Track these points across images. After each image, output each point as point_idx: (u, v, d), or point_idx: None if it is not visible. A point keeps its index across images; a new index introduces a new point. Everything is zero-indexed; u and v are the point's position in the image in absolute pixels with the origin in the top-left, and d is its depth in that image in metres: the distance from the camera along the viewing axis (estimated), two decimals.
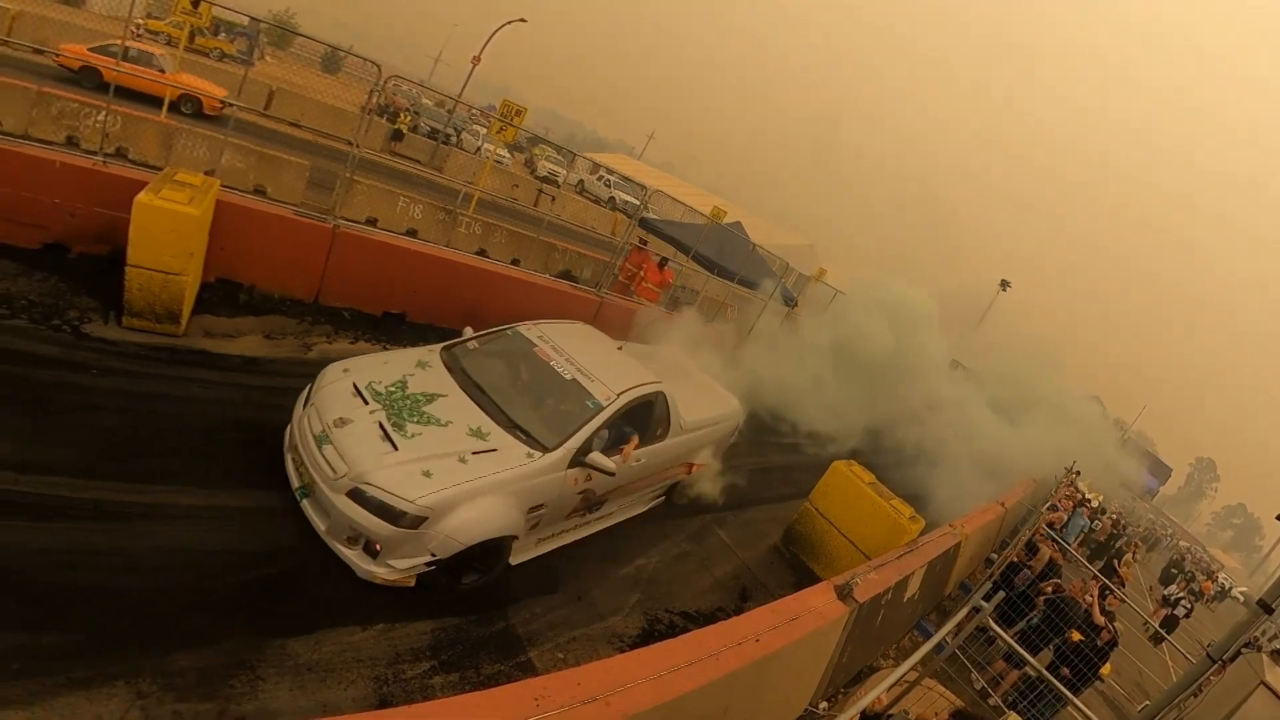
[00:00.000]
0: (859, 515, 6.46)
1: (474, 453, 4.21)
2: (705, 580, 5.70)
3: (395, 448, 4.06)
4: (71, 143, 9.70)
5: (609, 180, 30.47)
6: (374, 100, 6.94)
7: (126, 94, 12.01)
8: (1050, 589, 6.84)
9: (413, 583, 4.01)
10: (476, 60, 26.92)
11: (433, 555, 3.94)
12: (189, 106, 14.27)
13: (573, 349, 5.37)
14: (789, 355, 10.78)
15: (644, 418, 5.31)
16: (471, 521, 3.99)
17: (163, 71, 13.62)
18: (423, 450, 4.09)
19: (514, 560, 4.55)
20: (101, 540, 3.61)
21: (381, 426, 4.18)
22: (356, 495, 3.85)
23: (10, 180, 5.73)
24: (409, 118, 23.04)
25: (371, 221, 10.74)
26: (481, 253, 11.56)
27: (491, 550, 4.26)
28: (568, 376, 5.03)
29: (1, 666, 2.96)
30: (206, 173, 6.64)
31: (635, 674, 2.70)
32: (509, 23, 27.20)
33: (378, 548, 3.87)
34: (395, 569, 3.90)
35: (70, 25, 15.87)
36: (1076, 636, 6.16)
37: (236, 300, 6.46)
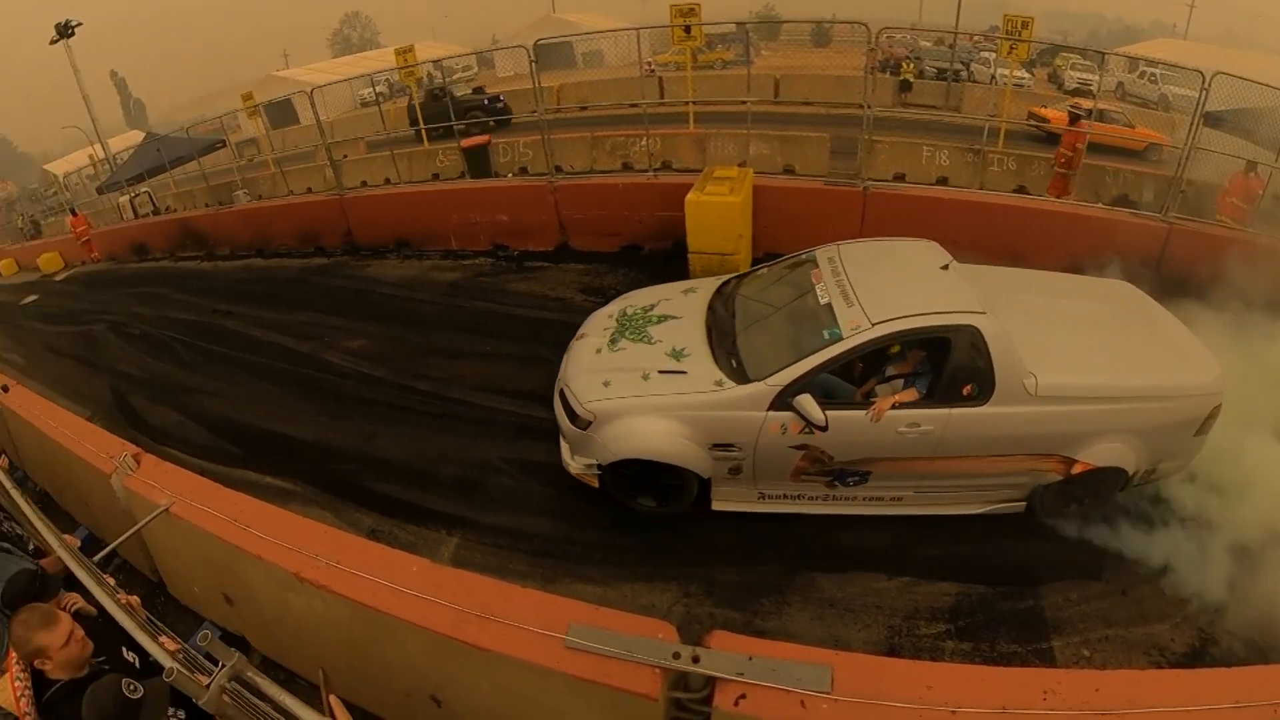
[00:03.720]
0: None
1: (660, 371, 4.14)
2: None
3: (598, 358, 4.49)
4: (626, 167, 12.64)
5: (1153, 75, 23.32)
6: (872, 58, 6.97)
7: (1102, 149, 13.18)
8: None
9: (596, 484, 4.29)
10: None
11: (596, 461, 4.15)
12: (1154, 154, 14.81)
13: (862, 268, 4.23)
14: None
15: (933, 365, 3.84)
16: (628, 436, 4.00)
17: (1131, 126, 15.99)
18: (615, 364, 4.33)
19: (718, 506, 4.25)
20: None
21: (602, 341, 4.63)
22: (561, 395, 4.43)
23: (591, 205, 7.86)
24: (912, 65, 22.41)
25: (899, 177, 10.74)
26: (1021, 189, 10.41)
27: (672, 477, 4.12)
28: (824, 300, 4.07)
29: (589, 554, 4.24)
30: (739, 165, 7.76)
31: (1165, 697, 2.21)
32: None
33: None
34: (577, 464, 4.33)
35: (582, 84, 20.52)
36: None
37: None
